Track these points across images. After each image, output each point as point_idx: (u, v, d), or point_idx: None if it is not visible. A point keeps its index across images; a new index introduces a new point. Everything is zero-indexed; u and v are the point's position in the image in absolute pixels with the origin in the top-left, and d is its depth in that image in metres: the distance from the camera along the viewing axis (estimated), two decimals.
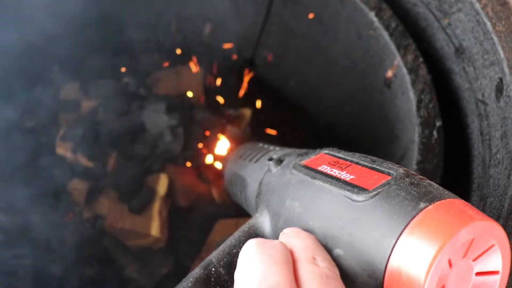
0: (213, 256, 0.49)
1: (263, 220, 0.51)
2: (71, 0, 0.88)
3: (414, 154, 0.70)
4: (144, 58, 0.99)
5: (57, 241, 0.86)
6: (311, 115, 1.03)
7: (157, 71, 1.01)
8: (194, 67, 1.03)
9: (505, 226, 0.56)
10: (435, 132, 0.72)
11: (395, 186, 0.40)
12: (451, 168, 0.73)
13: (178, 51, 1.04)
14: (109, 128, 0.91)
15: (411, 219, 0.36)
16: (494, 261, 0.38)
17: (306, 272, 0.37)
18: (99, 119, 0.92)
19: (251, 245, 0.40)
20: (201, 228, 0.90)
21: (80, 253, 0.86)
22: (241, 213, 0.88)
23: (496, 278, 0.38)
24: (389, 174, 0.42)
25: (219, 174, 0.91)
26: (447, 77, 0.83)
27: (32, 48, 0.89)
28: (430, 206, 0.37)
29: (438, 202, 0.37)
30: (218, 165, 0.91)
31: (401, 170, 0.42)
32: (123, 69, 0.99)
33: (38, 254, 0.85)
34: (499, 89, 0.69)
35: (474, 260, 0.37)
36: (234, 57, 1.07)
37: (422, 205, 0.37)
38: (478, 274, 0.38)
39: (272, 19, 0.99)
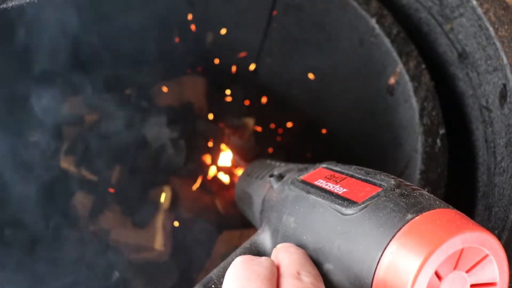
0: (214, 273, 0.49)
1: (264, 236, 0.51)
2: (70, 10, 0.88)
3: (418, 164, 0.69)
4: (146, 69, 1.00)
5: (62, 255, 0.86)
6: (314, 122, 1.02)
7: (159, 82, 1.01)
8: (196, 77, 1.03)
9: (510, 239, 0.55)
10: (438, 141, 0.71)
11: (384, 198, 0.39)
12: (456, 176, 0.72)
13: (180, 61, 1.04)
14: (112, 142, 0.91)
15: (397, 231, 0.36)
16: (490, 272, 0.37)
17: (288, 286, 0.37)
18: (102, 132, 0.92)
19: (237, 262, 0.40)
20: (205, 240, 0.89)
21: (84, 267, 0.86)
22: (246, 224, 0.88)
23: None
24: (380, 185, 0.42)
25: (223, 185, 0.91)
26: (451, 82, 0.82)
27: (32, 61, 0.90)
28: (417, 217, 0.36)
29: (426, 213, 0.36)
30: (222, 176, 0.91)
31: (392, 181, 0.41)
32: (124, 81, 1.00)
33: (43, 268, 0.85)
34: (503, 95, 0.68)
35: (467, 271, 0.36)
36: (236, 66, 1.06)
37: (409, 216, 0.36)
38: (473, 286, 0.37)
39: (274, 27, 0.99)
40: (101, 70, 0.99)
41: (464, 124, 0.78)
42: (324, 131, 1.01)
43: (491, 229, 0.59)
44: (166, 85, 1.02)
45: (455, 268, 0.35)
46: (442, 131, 0.71)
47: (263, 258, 0.40)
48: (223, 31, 1.04)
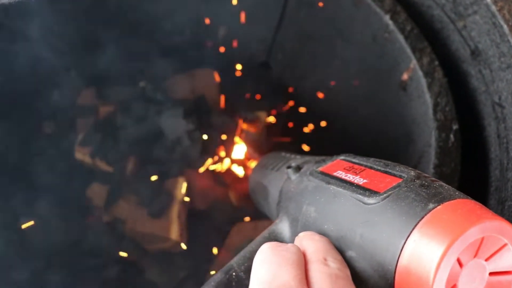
0: (234, 261, 0.50)
1: (282, 226, 0.52)
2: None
3: (431, 158, 0.70)
4: (160, 62, 1.01)
5: (77, 245, 0.87)
6: (327, 117, 1.03)
7: (172, 75, 1.02)
8: (209, 70, 1.04)
9: None
10: (452, 136, 0.72)
11: (405, 188, 0.40)
12: (469, 171, 0.73)
13: (193, 54, 1.05)
14: (128, 133, 0.92)
15: (420, 220, 0.37)
16: (508, 260, 0.38)
17: (316, 272, 0.38)
18: (117, 124, 0.93)
19: (265, 247, 0.41)
20: (219, 231, 0.91)
21: (99, 257, 0.87)
22: (259, 216, 0.89)
23: (511, 278, 0.38)
24: (400, 176, 0.43)
25: (236, 177, 0.92)
26: (463, 79, 0.83)
27: (47, 53, 0.90)
28: (438, 207, 0.37)
29: (447, 203, 0.38)
30: (235, 169, 0.92)
31: (412, 173, 0.42)
32: (139, 73, 1.01)
33: (57, 258, 0.86)
34: None
35: (486, 259, 0.37)
36: (248, 59, 1.07)
37: (430, 205, 0.37)
38: (492, 274, 0.38)
39: (286, 22, 1.00)
40: (115, 61, 1.00)
41: (476, 120, 0.79)
42: (336, 125, 1.02)
43: None
44: (179, 78, 1.03)
45: (475, 256, 0.36)
46: (455, 127, 0.72)
47: (290, 244, 0.42)
48: (236, 25, 1.05)
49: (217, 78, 1.04)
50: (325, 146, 0.99)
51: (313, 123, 1.03)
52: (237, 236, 0.89)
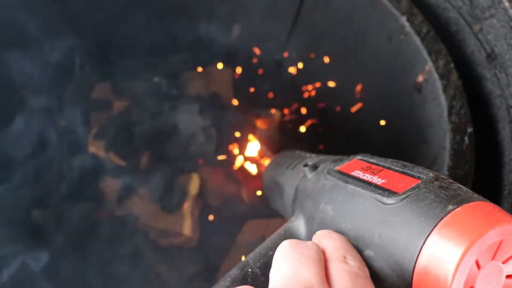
0: (250, 257, 0.51)
1: (298, 224, 0.53)
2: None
3: (445, 160, 0.70)
4: (174, 57, 1.01)
5: (89, 238, 0.88)
6: (340, 117, 1.03)
7: (187, 71, 1.03)
8: (223, 68, 1.05)
9: None
10: (466, 138, 0.72)
11: (425, 189, 0.41)
12: (482, 174, 0.73)
13: (207, 52, 1.05)
14: (142, 128, 0.93)
15: (439, 221, 0.37)
16: None
17: (337, 270, 0.39)
18: (132, 118, 0.94)
19: (285, 245, 0.41)
20: (230, 228, 0.91)
21: (110, 251, 0.88)
22: (270, 214, 0.89)
23: None
24: (419, 178, 0.43)
25: (249, 175, 0.93)
26: (478, 82, 0.83)
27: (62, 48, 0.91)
28: (458, 208, 0.37)
29: (466, 205, 0.38)
30: (249, 166, 0.93)
31: (431, 174, 0.43)
32: (153, 69, 1.01)
33: (68, 251, 0.87)
34: None
35: (504, 262, 0.37)
36: (261, 58, 1.08)
37: (450, 207, 0.38)
38: (508, 276, 0.38)
39: (301, 21, 1.00)
40: (130, 57, 1.01)
41: (491, 124, 0.80)
42: (349, 125, 1.02)
43: None
44: (193, 75, 1.03)
45: (493, 258, 0.37)
46: (470, 129, 0.72)
47: (310, 242, 0.42)
48: (251, 23, 1.05)
49: (231, 75, 1.05)
50: (339, 145, 1.00)
51: (326, 123, 1.04)
52: (248, 233, 0.89)
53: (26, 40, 0.88)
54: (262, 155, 0.91)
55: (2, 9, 0.86)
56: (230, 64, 1.06)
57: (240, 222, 0.91)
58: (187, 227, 0.87)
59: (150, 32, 1.03)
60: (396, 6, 0.83)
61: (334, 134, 1.02)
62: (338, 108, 1.03)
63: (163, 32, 1.05)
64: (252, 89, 1.05)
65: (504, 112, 0.76)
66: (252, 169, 0.92)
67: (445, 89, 0.75)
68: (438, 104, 0.76)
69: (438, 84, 0.76)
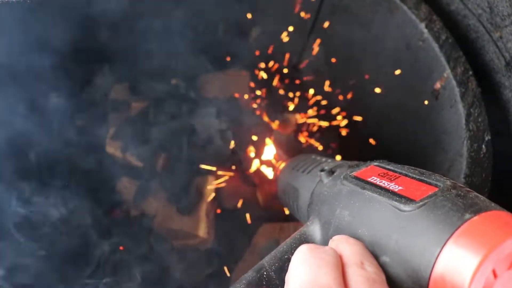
0: (265, 260, 0.51)
1: (313, 228, 0.53)
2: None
3: (462, 168, 0.70)
4: (192, 60, 1.02)
5: (104, 237, 0.89)
6: (357, 123, 1.03)
7: (205, 74, 1.03)
8: (240, 71, 1.05)
9: None
10: (484, 146, 0.72)
11: (442, 197, 0.41)
12: (498, 181, 0.73)
13: (225, 54, 1.06)
14: (159, 129, 0.93)
15: (456, 229, 0.37)
16: None
17: (354, 275, 0.39)
18: (149, 120, 0.95)
19: (304, 249, 0.42)
20: (245, 231, 0.91)
21: (126, 250, 0.89)
22: (285, 218, 0.90)
23: None
24: (436, 185, 0.43)
25: (264, 179, 0.93)
26: (496, 90, 0.83)
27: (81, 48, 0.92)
28: (475, 217, 0.38)
29: (483, 214, 0.38)
30: (264, 170, 0.93)
31: (448, 182, 0.43)
32: (172, 71, 1.02)
33: (83, 248, 0.88)
34: None
35: None
36: (279, 62, 1.08)
37: (467, 216, 0.38)
38: None
39: (320, 26, 1.01)
40: (148, 59, 1.02)
41: (508, 132, 0.79)
42: (366, 130, 1.02)
43: None
44: (211, 77, 1.04)
45: (509, 267, 0.37)
46: (487, 137, 0.72)
47: (327, 247, 0.42)
48: (269, 27, 1.06)
49: (249, 79, 1.05)
50: (355, 151, 1.00)
51: (343, 128, 1.04)
52: (263, 236, 0.90)
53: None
54: (278, 159, 0.91)
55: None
56: (248, 67, 1.06)
57: (255, 225, 0.92)
58: (202, 229, 0.88)
59: (168, 34, 1.04)
60: (416, 12, 0.83)
61: (351, 139, 1.03)
62: (355, 113, 1.03)
63: (181, 35, 1.06)
64: (269, 93, 1.06)
65: None
66: (268, 172, 0.93)
67: (463, 97, 0.75)
68: (456, 111, 0.75)
69: (456, 91, 0.76)
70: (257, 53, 1.09)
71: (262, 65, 1.09)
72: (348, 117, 1.04)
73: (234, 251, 0.90)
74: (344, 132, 1.04)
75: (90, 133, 0.99)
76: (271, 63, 1.09)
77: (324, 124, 1.04)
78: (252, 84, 1.05)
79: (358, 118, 1.03)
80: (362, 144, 1.01)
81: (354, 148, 1.02)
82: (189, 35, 1.06)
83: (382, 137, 0.98)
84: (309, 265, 0.40)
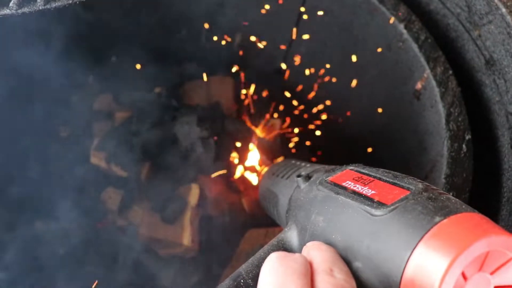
0: (242, 268, 0.51)
1: (291, 234, 0.53)
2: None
3: (443, 168, 0.70)
4: (175, 68, 1.02)
5: (90, 247, 0.89)
6: (340, 125, 1.04)
7: (188, 81, 1.03)
8: (224, 77, 1.05)
9: None
10: (464, 146, 0.72)
11: (413, 200, 0.40)
12: (481, 181, 0.73)
13: (209, 61, 1.06)
14: (143, 139, 0.93)
15: (426, 233, 0.37)
16: None
17: (322, 282, 0.39)
18: (132, 129, 0.95)
19: (273, 257, 0.42)
20: (231, 237, 0.91)
21: (112, 260, 0.88)
22: (271, 223, 0.89)
23: None
24: (408, 189, 0.43)
25: (249, 184, 0.93)
26: (477, 89, 0.83)
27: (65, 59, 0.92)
28: (444, 220, 0.37)
29: (453, 216, 0.38)
30: (249, 176, 0.93)
31: (420, 185, 0.42)
32: (155, 80, 1.02)
33: (71, 260, 0.88)
34: None
35: (491, 273, 0.37)
36: (263, 66, 1.08)
37: (437, 219, 0.38)
38: (496, 287, 0.38)
39: (302, 30, 1.01)
40: (132, 67, 1.02)
41: (490, 130, 0.79)
42: (350, 132, 1.02)
43: None
44: (195, 85, 1.04)
45: (480, 269, 0.37)
46: (468, 137, 0.72)
47: (297, 254, 0.42)
48: (251, 32, 1.06)
49: (232, 84, 1.05)
50: (339, 153, 1.00)
51: (326, 130, 1.04)
52: (249, 242, 0.90)
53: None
54: (262, 164, 0.91)
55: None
56: (231, 73, 1.06)
57: (240, 231, 0.91)
58: (186, 237, 0.87)
59: (151, 42, 1.04)
60: (394, 13, 0.84)
61: (334, 141, 1.03)
62: (338, 116, 1.03)
63: (165, 43, 1.06)
64: (253, 98, 1.06)
65: (503, 119, 0.76)
66: (252, 178, 0.92)
67: (443, 96, 0.75)
68: (436, 111, 0.76)
69: (436, 91, 0.76)
70: (241, 57, 1.09)
71: (246, 69, 1.08)
72: (331, 119, 1.04)
73: (220, 258, 0.90)
74: (326, 135, 1.04)
75: (75, 144, 0.99)
76: (254, 67, 1.09)
77: (309, 127, 1.04)
78: (235, 90, 1.05)
79: (340, 120, 1.03)
80: (345, 146, 1.01)
81: (337, 150, 1.01)
82: (172, 42, 1.06)
83: (366, 139, 0.98)
84: (276, 274, 0.39)
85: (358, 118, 1.00)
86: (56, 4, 0.61)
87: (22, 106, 0.94)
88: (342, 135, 1.03)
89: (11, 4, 0.60)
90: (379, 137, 0.95)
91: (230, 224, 0.92)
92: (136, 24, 1.03)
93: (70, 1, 0.61)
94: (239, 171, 0.94)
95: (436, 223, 0.37)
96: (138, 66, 1.01)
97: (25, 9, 0.61)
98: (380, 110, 0.94)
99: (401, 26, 0.83)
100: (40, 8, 0.61)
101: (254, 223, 0.92)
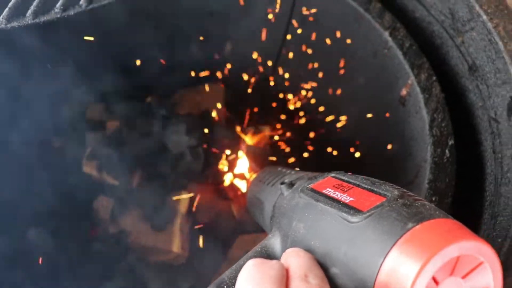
0: (226, 274, 0.51)
1: (274, 241, 0.54)
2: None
3: (427, 173, 0.71)
4: (166, 77, 1.03)
5: (83, 255, 0.89)
6: (328, 131, 1.04)
7: (179, 91, 1.04)
8: (214, 85, 1.06)
9: (511, 247, 0.57)
10: (447, 151, 0.73)
11: (388, 207, 0.41)
12: (465, 186, 0.74)
13: (199, 70, 1.07)
14: (133, 148, 0.94)
15: (399, 239, 0.38)
16: (485, 278, 0.39)
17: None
18: (123, 138, 0.96)
19: (249, 264, 0.43)
20: (221, 244, 0.92)
21: (104, 268, 0.89)
22: (260, 230, 0.90)
23: None
24: (384, 195, 0.44)
25: (238, 191, 0.94)
26: (461, 94, 0.84)
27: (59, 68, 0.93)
28: (417, 226, 0.38)
29: (425, 222, 0.39)
30: (238, 183, 0.94)
31: (396, 192, 0.43)
32: (145, 89, 1.03)
33: (65, 267, 0.88)
34: (510, 107, 0.70)
35: (463, 277, 0.38)
36: (252, 75, 1.09)
37: (410, 225, 0.39)
38: None
39: (290, 39, 1.02)
40: (123, 78, 1.03)
41: (473, 135, 0.80)
42: (338, 138, 1.03)
43: (495, 237, 0.61)
44: (185, 94, 1.05)
45: (451, 274, 0.38)
46: (451, 142, 0.73)
47: (274, 261, 0.43)
48: (241, 42, 1.07)
49: (222, 93, 1.06)
50: (327, 159, 1.01)
51: (314, 136, 1.05)
52: (239, 248, 0.91)
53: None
54: (251, 171, 0.92)
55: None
56: (221, 82, 1.07)
57: (231, 238, 0.92)
58: (176, 244, 0.88)
59: (143, 52, 1.05)
60: (379, 21, 0.85)
61: (322, 147, 1.03)
62: (326, 122, 1.04)
63: (156, 52, 1.07)
64: (242, 106, 1.07)
65: (486, 123, 0.77)
66: (242, 185, 0.93)
67: (427, 102, 0.77)
68: (421, 117, 0.77)
69: (420, 97, 0.77)
70: (230, 67, 1.10)
71: (235, 79, 1.09)
72: (319, 126, 1.05)
73: (211, 264, 0.91)
74: (314, 141, 1.05)
75: (67, 153, 0.99)
76: (245, 76, 1.10)
77: (298, 133, 1.05)
78: (225, 98, 1.06)
79: (329, 127, 1.04)
80: (334, 152, 1.02)
81: (325, 156, 1.02)
82: (162, 51, 1.07)
83: (354, 145, 0.99)
84: (252, 281, 0.40)
85: (347, 124, 1.01)
86: (45, 18, 0.63)
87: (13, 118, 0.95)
88: (330, 141, 1.03)
89: (0, 19, 0.61)
90: (367, 143, 0.96)
91: (220, 231, 0.92)
92: (126, 34, 1.04)
93: (58, 15, 0.62)
94: (228, 179, 0.95)
95: (409, 229, 0.38)
96: (128, 76, 1.02)
97: (15, 24, 0.63)
98: (368, 116, 0.95)
99: (386, 34, 0.84)
100: (30, 22, 0.63)
101: (243, 230, 0.93)
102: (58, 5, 0.62)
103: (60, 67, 0.94)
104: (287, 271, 0.42)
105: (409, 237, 0.38)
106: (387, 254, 0.38)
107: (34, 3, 0.62)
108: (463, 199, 0.72)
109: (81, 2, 0.62)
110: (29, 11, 0.61)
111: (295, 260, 0.43)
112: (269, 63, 1.08)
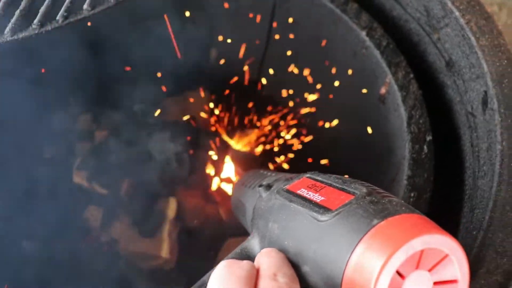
0: (206, 276, 0.52)
1: (253, 242, 0.55)
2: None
3: (405, 170, 0.72)
4: (153, 85, 1.04)
5: (76, 264, 0.90)
6: (311, 131, 1.06)
7: (164, 98, 1.05)
8: (200, 91, 1.07)
9: (484, 239, 0.58)
10: (425, 147, 0.74)
11: (356, 205, 0.43)
12: (445, 181, 0.75)
13: (185, 77, 1.08)
14: (120, 157, 0.95)
15: (364, 235, 0.39)
16: (451, 270, 0.40)
17: (264, 286, 0.41)
18: (110, 148, 0.97)
19: (221, 265, 0.44)
20: (211, 247, 0.93)
21: (97, 276, 0.90)
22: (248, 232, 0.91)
23: (455, 286, 0.40)
24: (353, 193, 0.45)
25: (226, 195, 0.95)
26: (440, 90, 0.85)
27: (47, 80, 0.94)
28: (382, 222, 0.39)
29: (390, 218, 0.40)
30: (225, 187, 0.95)
31: (364, 190, 0.44)
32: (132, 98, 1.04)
33: (58, 277, 0.89)
34: (485, 101, 0.72)
35: (429, 270, 0.39)
36: (238, 79, 1.10)
37: (375, 221, 0.40)
38: (436, 283, 0.40)
39: (274, 42, 1.03)
40: (109, 87, 1.04)
41: (452, 130, 0.82)
42: (321, 138, 1.04)
43: (472, 230, 0.62)
44: (171, 101, 1.06)
45: (417, 267, 0.39)
46: (429, 138, 0.74)
47: (245, 262, 0.44)
48: (225, 46, 1.08)
49: (208, 99, 1.07)
50: (311, 159, 1.02)
51: (298, 137, 1.06)
52: (228, 251, 0.91)
53: None
54: (237, 175, 0.93)
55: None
56: (206, 87, 1.08)
57: (220, 241, 0.93)
58: (164, 250, 0.89)
59: (128, 60, 1.06)
60: (356, 22, 0.86)
61: (307, 148, 1.04)
62: (311, 123, 1.05)
63: (140, 60, 1.08)
64: (227, 111, 1.08)
65: (464, 118, 0.78)
66: (229, 189, 0.95)
67: (404, 100, 0.78)
68: (399, 115, 0.78)
69: (398, 95, 0.78)
70: (216, 72, 1.11)
71: (222, 83, 1.10)
72: (304, 127, 1.06)
73: (201, 268, 0.91)
74: (299, 142, 1.06)
75: (58, 164, 1.01)
76: (230, 80, 1.11)
77: (282, 136, 1.06)
78: (211, 103, 1.07)
79: (314, 127, 1.05)
80: (318, 152, 1.03)
81: (309, 156, 1.03)
82: (147, 59, 1.08)
83: (338, 145, 1.00)
84: (222, 281, 0.42)
85: (328, 123, 1.02)
86: (23, 34, 0.64)
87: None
88: (315, 142, 1.05)
89: None
90: (351, 141, 0.97)
91: (209, 235, 0.93)
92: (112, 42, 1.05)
93: (36, 31, 0.64)
94: (215, 183, 0.96)
95: (374, 225, 0.39)
96: (115, 84, 1.03)
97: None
98: (350, 115, 0.96)
99: (363, 34, 0.85)
100: (8, 39, 0.64)
101: (232, 233, 0.94)
102: (35, 21, 0.63)
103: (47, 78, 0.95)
104: (258, 271, 0.43)
105: (374, 233, 0.39)
106: (353, 250, 0.39)
107: (12, 20, 0.63)
108: (444, 195, 0.73)
109: (57, 17, 0.64)
110: (7, 28, 0.62)
111: (266, 260, 0.44)
112: (252, 68, 1.09)
